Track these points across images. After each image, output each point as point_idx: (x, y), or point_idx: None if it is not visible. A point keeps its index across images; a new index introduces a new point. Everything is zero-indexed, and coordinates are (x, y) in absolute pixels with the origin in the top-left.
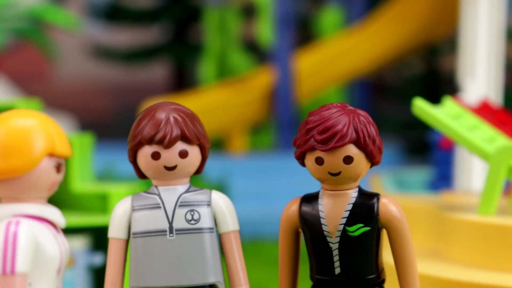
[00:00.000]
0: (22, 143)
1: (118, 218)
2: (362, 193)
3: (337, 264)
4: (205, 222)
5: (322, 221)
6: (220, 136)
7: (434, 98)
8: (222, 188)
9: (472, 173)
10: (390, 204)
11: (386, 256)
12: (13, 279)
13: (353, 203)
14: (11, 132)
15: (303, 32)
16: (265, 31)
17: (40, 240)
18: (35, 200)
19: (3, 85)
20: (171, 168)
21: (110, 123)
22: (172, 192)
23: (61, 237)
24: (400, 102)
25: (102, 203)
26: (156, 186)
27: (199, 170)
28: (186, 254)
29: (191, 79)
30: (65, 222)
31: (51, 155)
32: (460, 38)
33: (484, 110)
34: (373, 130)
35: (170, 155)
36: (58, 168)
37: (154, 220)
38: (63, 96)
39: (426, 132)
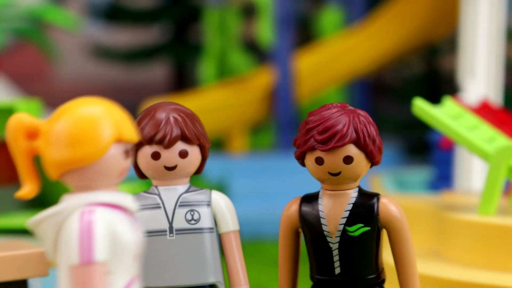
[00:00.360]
0: (90, 131)
1: None
2: (362, 193)
3: (337, 264)
4: (205, 222)
5: (322, 221)
6: (220, 136)
7: (434, 98)
8: (222, 188)
9: (472, 173)
10: (390, 204)
11: (386, 256)
12: (92, 268)
13: (353, 203)
14: (78, 121)
15: (303, 32)
16: (265, 31)
17: (115, 227)
18: (106, 188)
19: (3, 85)
20: (171, 168)
21: None
22: (172, 192)
23: (135, 222)
24: (400, 102)
25: None
26: (156, 186)
27: (199, 170)
28: (186, 254)
29: (191, 79)
30: (137, 207)
31: (119, 141)
32: (460, 38)
33: (484, 110)
34: (373, 130)
35: (170, 155)
36: (126, 154)
37: (154, 220)
38: (63, 96)
39: (426, 132)
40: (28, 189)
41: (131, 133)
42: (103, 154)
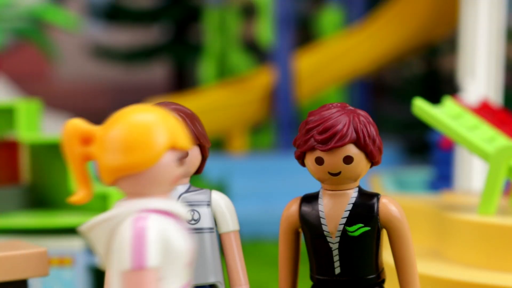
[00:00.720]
0: (144, 137)
1: None
2: (362, 193)
3: (337, 264)
4: (205, 222)
5: (322, 221)
6: (220, 136)
7: (434, 98)
8: (222, 188)
9: (472, 173)
10: (390, 204)
11: (386, 256)
12: (144, 274)
13: (353, 203)
14: (132, 127)
15: (303, 32)
16: (265, 31)
17: (168, 234)
18: (158, 195)
19: (3, 85)
20: None
21: None
22: (172, 192)
23: (186, 230)
24: (400, 102)
25: (102, 203)
26: None
27: (199, 170)
28: None
29: (191, 79)
30: (189, 216)
31: (173, 148)
32: (460, 38)
33: (484, 110)
34: (373, 130)
35: None
36: (179, 161)
37: None
38: (63, 96)
39: (426, 132)
40: (82, 195)
41: (185, 140)
42: (157, 161)
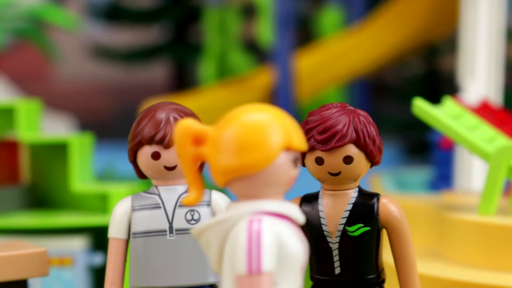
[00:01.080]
0: (259, 138)
1: (118, 218)
2: (362, 193)
3: (337, 264)
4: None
5: (322, 221)
6: None
7: (434, 98)
8: (222, 188)
9: (472, 173)
10: (390, 204)
11: (386, 256)
12: (260, 279)
13: (353, 203)
14: (247, 128)
15: (303, 32)
16: (265, 31)
17: (283, 237)
18: (273, 197)
19: (3, 85)
20: (171, 168)
21: (110, 123)
22: (172, 192)
23: (300, 234)
24: (400, 102)
25: (102, 203)
26: (156, 186)
27: (199, 170)
28: (186, 254)
29: (191, 79)
30: (304, 219)
31: (288, 149)
32: (460, 38)
33: (484, 110)
34: (373, 130)
35: (170, 155)
36: (295, 162)
37: (154, 220)
38: (63, 96)
39: (426, 132)
40: (194, 195)
41: (300, 141)
42: (271, 162)
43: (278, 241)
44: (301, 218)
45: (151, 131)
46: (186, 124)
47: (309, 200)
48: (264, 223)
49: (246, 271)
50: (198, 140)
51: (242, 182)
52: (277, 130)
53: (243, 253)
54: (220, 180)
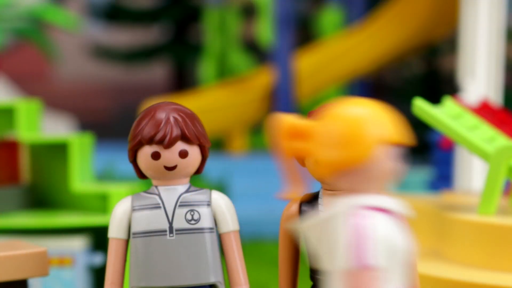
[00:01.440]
0: (360, 132)
1: (118, 218)
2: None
3: None
4: (205, 222)
5: None
6: (220, 136)
7: (434, 98)
8: (222, 188)
9: (472, 173)
10: None
11: None
12: (368, 273)
13: None
14: (348, 121)
15: (303, 32)
16: (265, 31)
17: (389, 232)
18: (374, 191)
19: (3, 85)
20: (171, 168)
21: (110, 123)
22: (172, 192)
23: (406, 228)
24: (400, 102)
25: (102, 203)
26: (156, 186)
27: (199, 170)
28: (186, 254)
29: (191, 79)
30: (413, 213)
31: (387, 143)
32: (460, 38)
33: (484, 110)
34: None
35: (170, 155)
36: (395, 156)
37: (154, 220)
38: (63, 96)
39: (426, 132)
40: (293, 190)
41: (400, 135)
42: (372, 156)
43: (384, 236)
44: (405, 212)
45: (151, 131)
46: (286, 120)
47: (309, 200)
48: (370, 218)
49: (353, 266)
50: (299, 135)
51: (345, 176)
52: (377, 124)
53: (350, 248)
54: (324, 175)
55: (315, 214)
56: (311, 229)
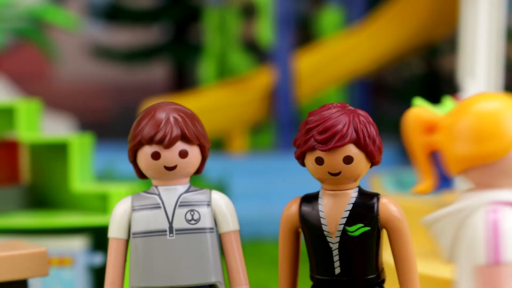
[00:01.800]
0: (496, 127)
1: (118, 218)
2: (362, 193)
3: (337, 264)
4: (205, 222)
5: (322, 221)
6: (220, 136)
7: (434, 98)
8: (222, 188)
9: None
10: (390, 204)
11: (386, 256)
12: (500, 269)
13: (353, 203)
14: (483, 117)
15: (303, 32)
16: (265, 31)
17: None
18: (508, 187)
19: (3, 85)
20: (171, 168)
21: (110, 123)
22: (172, 192)
23: None
24: (400, 102)
25: (102, 203)
26: (156, 186)
27: (199, 170)
28: (186, 254)
29: (191, 79)
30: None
31: None
32: (460, 38)
33: None
34: (373, 130)
35: (170, 155)
36: None
37: (154, 220)
38: (63, 96)
39: None
40: (426, 184)
41: None
42: (508, 151)
43: None
44: None
45: (151, 131)
46: (417, 113)
47: (309, 200)
48: (503, 214)
49: (486, 262)
50: (430, 129)
51: (478, 171)
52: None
53: (482, 244)
54: (456, 169)
55: (443, 208)
56: (437, 222)
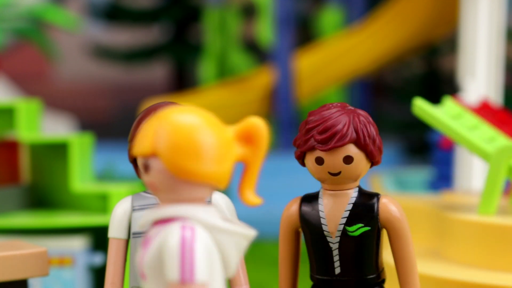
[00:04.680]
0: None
1: (118, 218)
2: (362, 193)
3: (337, 264)
4: None
5: (322, 221)
6: None
7: (434, 98)
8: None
9: (472, 173)
10: (390, 204)
11: (386, 256)
12: None
13: (353, 203)
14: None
15: (303, 32)
16: (265, 31)
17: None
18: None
19: (3, 85)
20: None
21: (110, 123)
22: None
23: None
24: (400, 102)
25: (102, 203)
26: None
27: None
28: None
29: (191, 79)
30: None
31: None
32: (460, 38)
33: (484, 110)
34: (373, 130)
35: None
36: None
37: None
38: (63, 96)
39: (426, 132)
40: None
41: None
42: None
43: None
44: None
45: None
46: None
47: (309, 200)
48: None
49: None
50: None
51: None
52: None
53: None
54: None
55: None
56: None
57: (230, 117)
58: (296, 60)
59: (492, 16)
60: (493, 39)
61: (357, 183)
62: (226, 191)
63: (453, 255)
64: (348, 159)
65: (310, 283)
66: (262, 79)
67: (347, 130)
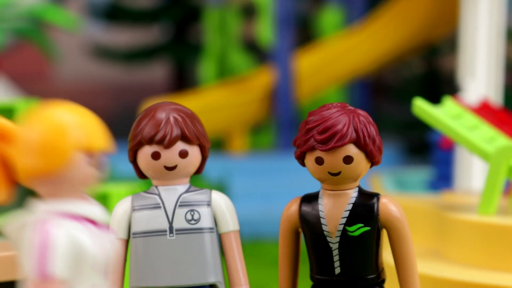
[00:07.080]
0: (56, 139)
1: (118, 218)
2: (362, 193)
3: (337, 264)
4: (205, 222)
5: (322, 221)
6: (220, 136)
7: (434, 98)
8: (222, 188)
9: (472, 173)
10: (390, 204)
11: (386, 256)
12: (51, 284)
13: (353, 203)
14: (44, 129)
15: (303, 32)
16: (265, 31)
17: (77, 240)
18: (72, 197)
19: (3, 85)
20: (171, 168)
21: (110, 123)
22: (172, 192)
23: (105, 235)
24: (400, 102)
25: (102, 203)
26: (156, 186)
27: (199, 170)
28: (186, 254)
29: (191, 79)
30: (106, 217)
31: (85, 150)
32: (460, 38)
33: (484, 110)
34: (373, 130)
35: (170, 155)
36: (92, 162)
37: (154, 220)
38: (63, 96)
39: (426, 132)
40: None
41: (100, 141)
42: (67, 163)
43: (72, 244)
44: (102, 218)
45: (151, 131)
46: None
47: (309, 200)
48: (56, 226)
49: (34, 275)
50: (3, 137)
51: (43, 183)
52: (73, 131)
53: (31, 256)
54: (24, 179)
55: (17, 217)
56: (12, 233)
57: (230, 117)
58: (296, 60)
59: (492, 16)
60: (493, 39)
61: (357, 183)
62: (226, 191)
63: (453, 255)
64: (348, 159)
65: (310, 283)
66: (262, 79)
67: (347, 130)
